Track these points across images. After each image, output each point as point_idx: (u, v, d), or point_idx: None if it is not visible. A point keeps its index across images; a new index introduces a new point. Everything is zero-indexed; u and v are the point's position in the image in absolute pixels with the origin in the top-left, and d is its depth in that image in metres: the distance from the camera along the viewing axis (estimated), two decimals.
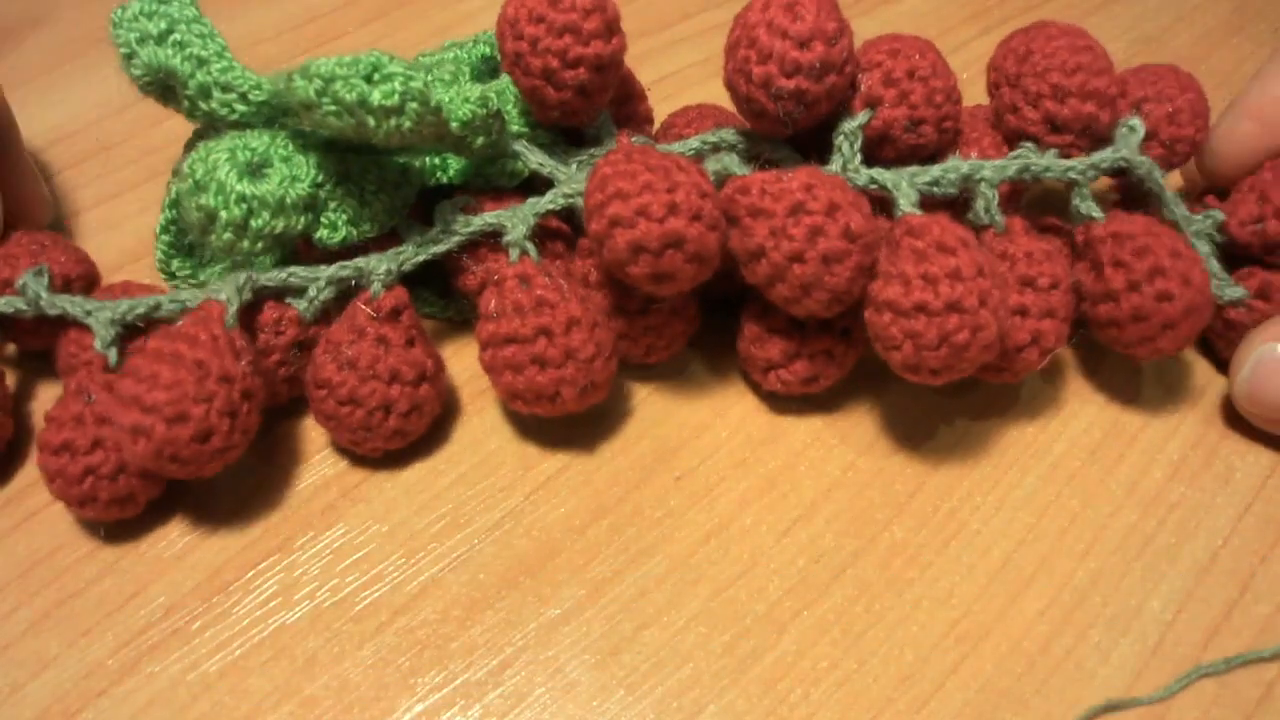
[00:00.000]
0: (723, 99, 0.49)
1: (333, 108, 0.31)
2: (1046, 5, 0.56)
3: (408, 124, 0.31)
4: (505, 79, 0.37)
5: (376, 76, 0.31)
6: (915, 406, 0.37)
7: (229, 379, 0.31)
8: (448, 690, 0.31)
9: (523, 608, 0.33)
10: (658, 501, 0.35)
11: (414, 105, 0.31)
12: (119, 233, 0.43)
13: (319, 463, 0.36)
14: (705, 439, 0.37)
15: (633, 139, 0.36)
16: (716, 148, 0.37)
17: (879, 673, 0.31)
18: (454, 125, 0.33)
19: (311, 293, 0.35)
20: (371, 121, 0.31)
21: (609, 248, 0.31)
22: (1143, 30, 0.54)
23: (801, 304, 0.32)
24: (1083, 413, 0.38)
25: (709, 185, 0.32)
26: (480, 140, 0.34)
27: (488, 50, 0.40)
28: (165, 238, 0.38)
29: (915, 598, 0.33)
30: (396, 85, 0.31)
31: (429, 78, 0.37)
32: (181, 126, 0.37)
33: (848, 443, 0.37)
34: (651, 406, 0.38)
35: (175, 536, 0.34)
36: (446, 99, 0.33)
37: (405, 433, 0.34)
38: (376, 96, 0.30)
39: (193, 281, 0.38)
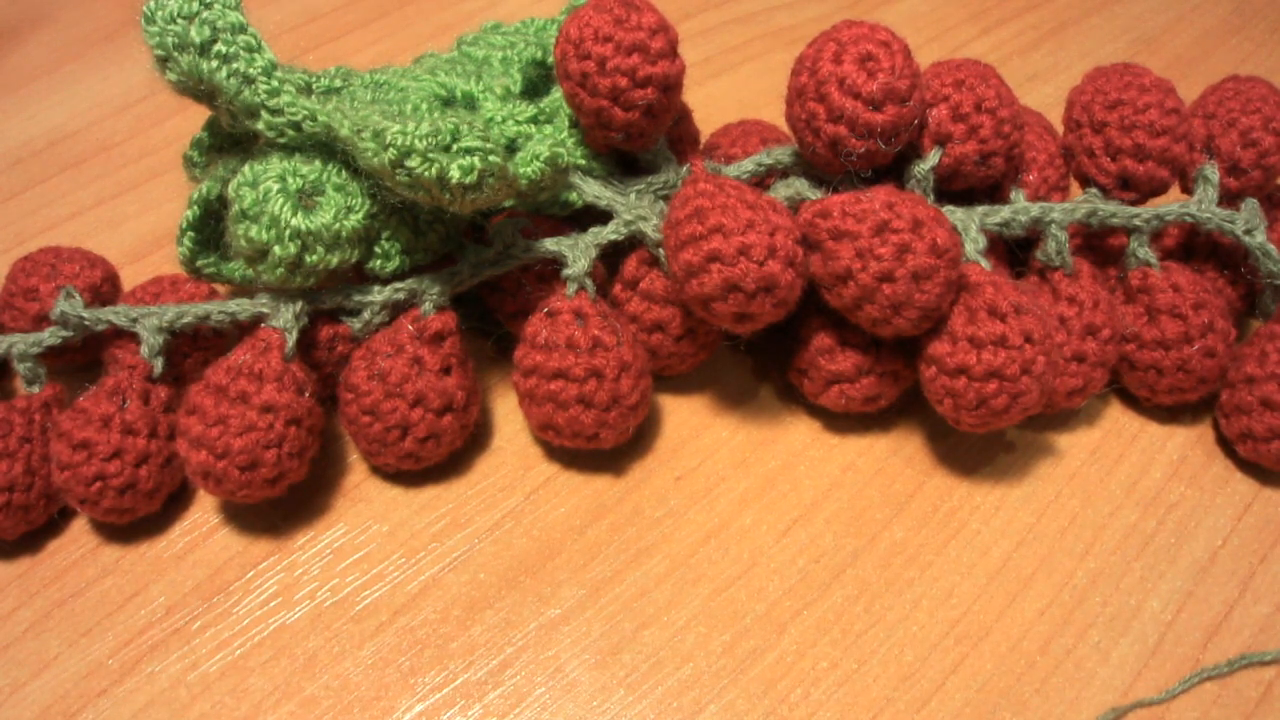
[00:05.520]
0: (722, 97, 0.50)
1: (406, 179, 0.29)
2: (1046, 5, 0.56)
3: (483, 197, 0.30)
4: (558, 96, 0.36)
5: (456, 148, 0.29)
6: (916, 407, 0.37)
7: (297, 420, 0.31)
8: (448, 690, 0.31)
9: (523, 608, 0.33)
10: (658, 501, 0.35)
11: (491, 180, 0.30)
12: (119, 233, 0.43)
13: (320, 462, 0.36)
14: (705, 439, 0.37)
15: (706, 164, 0.36)
16: (773, 170, 0.36)
17: (879, 673, 0.31)
18: (522, 184, 0.33)
19: (366, 315, 0.34)
20: (448, 197, 0.30)
21: (699, 281, 0.31)
22: (1143, 30, 0.54)
23: (890, 324, 0.32)
24: (1083, 413, 0.38)
25: (796, 228, 0.31)
26: (545, 195, 0.34)
27: (539, 54, 0.39)
28: (191, 234, 0.36)
29: (915, 598, 0.33)
30: (476, 162, 0.29)
31: (481, 87, 0.36)
32: (183, 126, 0.37)
33: (848, 443, 0.37)
34: (652, 406, 0.38)
35: (175, 536, 0.34)
36: (516, 159, 0.32)
37: (420, 457, 0.34)
38: (455, 174, 0.29)
39: (219, 279, 0.37)
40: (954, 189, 0.36)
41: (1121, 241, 0.37)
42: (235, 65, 0.31)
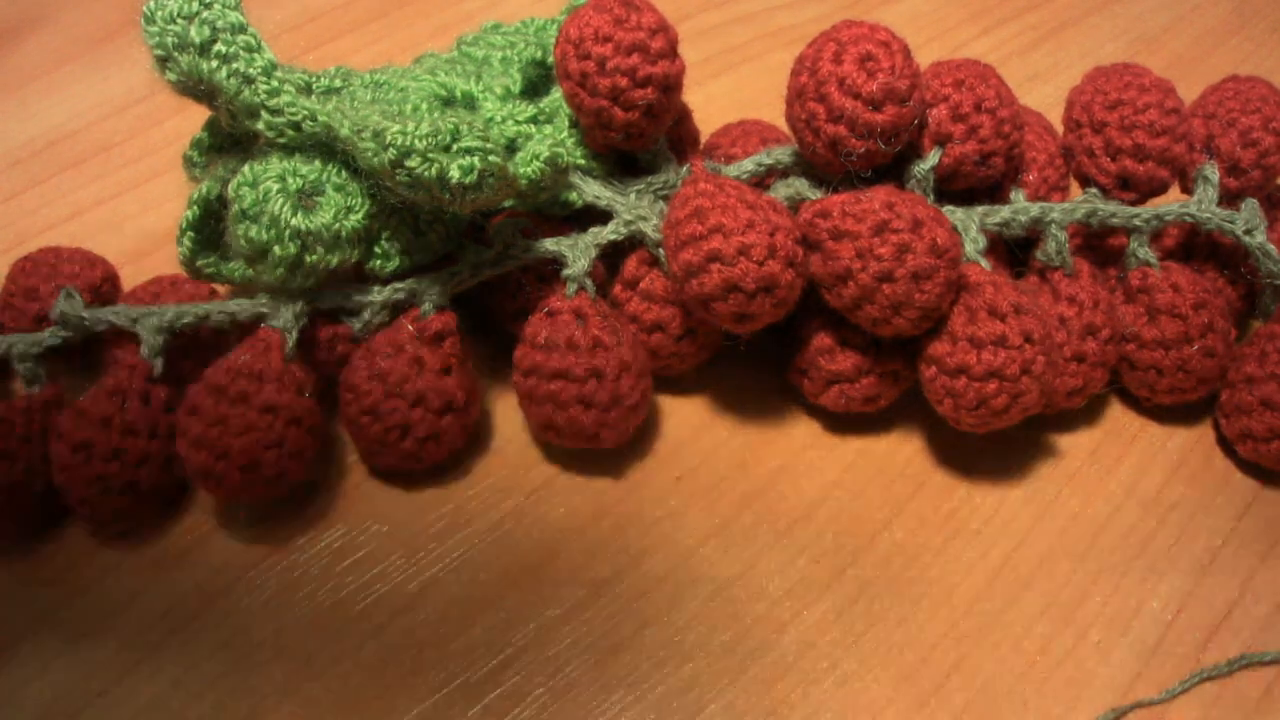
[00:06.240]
0: (722, 97, 0.50)
1: (407, 179, 0.30)
2: (1046, 5, 0.56)
3: (483, 197, 0.30)
4: (557, 96, 0.36)
5: (456, 148, 0.29)
6: (916, 407, 0.37)
7: (297, 420, 0.31)
8: (448, 690, 0.31)
9: (523, 608, 0.33)
10: (658, 502, 0.35)
11: (491, 180, 0.30)
12: (119, 233, 0.43)
13: (320, 462, 0.36)
14: (705, 439, 0.37)
15: (706, 164, 0.36)
16: (773, 170, 0.36)
17: (879, 673, 0.31)
18: (522, 184, 0.33)
19: (366, 315, 0.34)
20: (448, 197, 0.30)
21: (699, 281, 0.31)
22: (1143, 30, 0.54)
23: (890, 324, 0.32)
24: (1083, 413, 0.38)
25: (796, 228, 0.31)
26: (545, 195, 0.34)
27: (539, 54, 0.39)
28: (191, 234, 0.35)
29: (915, 598, 0.33)
30: (476, 162, 0.29)
31: (481, 87, 0.36)
32: (183, 126, 0.37)
33: (848, 443, 0.37)
34: (652, 407, 0.37)
35: (175, 536, 0.34)
36: (516, 159, 0.32)
37: (420, 457, 0.34)
38: (455, 174, 0.29)
39: (219, 279, 0.37)
40: (954, 189, 0.36)
41: (1121, 241, 0.37)
42: (235, 65, 0.32)
